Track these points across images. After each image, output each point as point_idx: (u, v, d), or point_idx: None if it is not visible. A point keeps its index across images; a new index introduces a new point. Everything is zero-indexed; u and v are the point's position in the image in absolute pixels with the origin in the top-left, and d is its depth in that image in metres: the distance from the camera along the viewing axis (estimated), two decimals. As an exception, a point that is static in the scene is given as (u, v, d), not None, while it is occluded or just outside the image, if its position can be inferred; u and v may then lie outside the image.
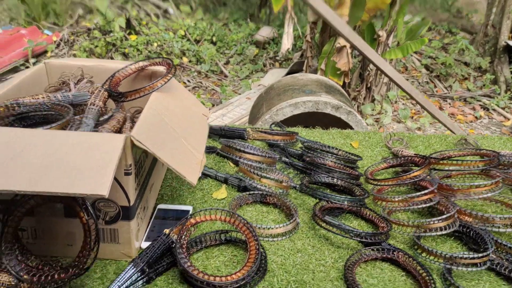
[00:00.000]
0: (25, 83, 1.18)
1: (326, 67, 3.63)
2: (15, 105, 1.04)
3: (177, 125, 1.08)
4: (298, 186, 1.34)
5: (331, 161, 1.37)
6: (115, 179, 0.94)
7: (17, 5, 5.55)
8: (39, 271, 0.93)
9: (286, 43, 3.37)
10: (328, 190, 1.34)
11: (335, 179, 1.32)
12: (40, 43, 4.62)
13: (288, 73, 4.17)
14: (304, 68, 4.08)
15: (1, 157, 0.85)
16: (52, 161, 0.85)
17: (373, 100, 3.93)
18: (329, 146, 1.48)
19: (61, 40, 4.86)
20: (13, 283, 0.91)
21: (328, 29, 3.93)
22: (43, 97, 1.09)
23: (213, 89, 4.34)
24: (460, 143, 1.60)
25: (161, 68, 1.27)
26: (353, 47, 2.99)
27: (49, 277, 0.91)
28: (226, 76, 4.71)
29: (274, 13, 4.41)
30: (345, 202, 1.23)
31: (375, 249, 1.07)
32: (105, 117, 1.12)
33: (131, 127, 1.11)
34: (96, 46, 4.68)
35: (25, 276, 0.91)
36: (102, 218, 0.99)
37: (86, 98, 1.14)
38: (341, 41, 3.55)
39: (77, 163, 0.85)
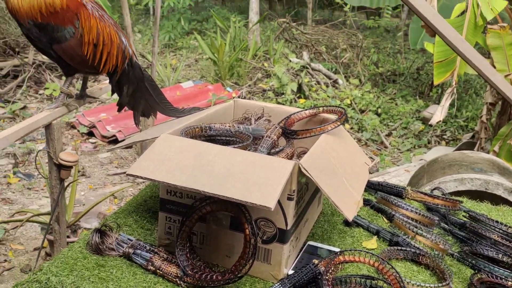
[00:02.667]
0: (217, 114, 1.40)
1: (500, 150, 3.35)
2: (207, 128, 1.24)
3: (340, 165, 1.15)
4: (456, 253, 1.26)
5: (498, 235, 1.26)
6: (278, 202, 1.04)
7: (209, 65, 6.46)
8: (201, 270, 1.06)
9: (439, 115, 3.25)
10: (490, 265, 1.23)
11: (501, 254, 1.21)
12: (221, 97, 5.26)
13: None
14: (475, 149, 3.82)
15: (193, 163, 1.02)
16: (231, 172, 0.99)
17: (556, 194, 3.43)
18: (497, 221, 1.36)
19: (239, 96, 5.46)
20: (179, 275, 1.05)
21: (508, 111, 3.65)
22: (229, 126, 1.28)
23: (371, 157, 4.33)
24: None
25: (332, 116, 1.37)
26: (536, 130, 2.73)
27: (208, 277, 1.02)
28: (386, 147, 4.66)
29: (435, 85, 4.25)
30: (510, 279, 1.11)
31: (542, 336, 0.94)
32: (277, 149, 1.25)
33: (298, 162, 1.22)
34: (268, 105, 5.12)
35: (189, 272, 1.05)
36: (260, 236, 1.09)
37: (263, 132, 1.30)
38: (522, 124, 3.26)
39: (251, 178, 0.97)
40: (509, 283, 1.12)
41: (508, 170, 2.66)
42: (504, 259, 1.22)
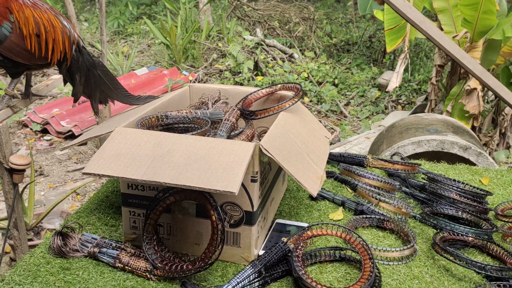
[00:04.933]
0: (172, 101, 1.37)
1: (452, 110, 3.47)
2: (164, 116, 1.21)
3: (301, 142, 1.15)
4: (418, 215, 1.30)
5: (456, 193, 1.31)
6: (242, 185, 1.03)
7: (162, 50, 6.31)
8: (171, 261, 1.05)
9: (395, 81, 3.33)
10: (451, 223, 1.28)
11: (460, 211, 1.26)
12: (178, 81, 5.17)
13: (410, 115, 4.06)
14: (426, 110, 3.94)
15: (152, 155, 1.00)
16: (192, 160, 0.97)
17: (508, 147, 3.61)
18: (454, 180, 1.42)
19: (196, 79, 5.38)
20: (148, 269, 1.03)
21: (458, 72, 3.77)
22: (186, 112, 1.25)
23: (331, 128, 4.39)
24: None
25: (290, 93, 1.37)
26: (486, 87, 2.83)
27: (179, 267, 1.01)
28: (345, 116, 4.74)
29: (388, 52, 4.34)
30: (470, 234, 1.16)
31: (501, 285, 0.99)
32: (236, 132, 1.24)
33: (258, 143, 1.21)
34: (226, 85, 5.07)
35: (159, 264, 1.03)
36: (227, 221, 1.08)
37: (221, 116, 1.28)
38: (471, 84, 3.37)
39: (212, 164, 0.96)
40: (470, 238, 1.17)
41: (461, 128, 2.76)
42: (463, 216, 1.27)
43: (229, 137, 1.19)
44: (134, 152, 1.02)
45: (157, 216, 1.07)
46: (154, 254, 1.05)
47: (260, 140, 1.23)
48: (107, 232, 1.20)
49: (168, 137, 1.05)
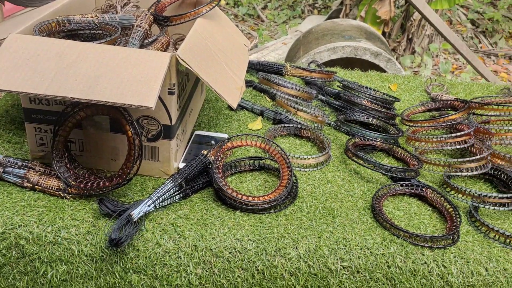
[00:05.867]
0: (75, 3, 1.22)
1: (366, 15, 3.52)
2: (66, 21, 1.08)
3: (219, 51, 1.10)
4: (332, 123, 1.36)
5: (368, 101, 1.37)
6: (159, 98, 0.98)
7: None
8: (86, 178, 1.00)
9: None
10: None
11: (371, 117, 1.33)
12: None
13: (326, 20, 4.07)
14: (341, 15, 3.97)
15: (55, 66, 0.90)
16: (102, 72, 0.89)
17: (413, 52, 3.82)
18: (366, 87, 1.47)
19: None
20: (61, 187, 0.98)
21: (373, -24, 3.77)
22: (92, 17, 1.13)
23: (249, 33, 4.30)
24: (503, 92, 1.57)
25: (205, -4, 1.28)
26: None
27: (95, 184, 0.98)
28: (262, 20, 4.64)
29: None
30: (378, 139, 1.24)
31: (404, 184, 1.09)
32: (150, 40, 1.15)
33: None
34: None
35: (73, 182, 0.98)
36: (145, 135, 1.04)
37: (132, 21, 1.17)
38: (385, -12, 3.42)
39: (126, 77, 0.89)
40: (378, 143, 1.25)
41: (373, 34, 2.84)
42: (374, 122, 1.34)
43: (142, 46, 1.11)
44: (33, 63, 0.91)
45: (66, 132, 1.00)
46: (67, 172, 1.00)
47: (176, 49, 1.15)
48: (10, 150, 1.11)
49: (73, 46, 0.94)
